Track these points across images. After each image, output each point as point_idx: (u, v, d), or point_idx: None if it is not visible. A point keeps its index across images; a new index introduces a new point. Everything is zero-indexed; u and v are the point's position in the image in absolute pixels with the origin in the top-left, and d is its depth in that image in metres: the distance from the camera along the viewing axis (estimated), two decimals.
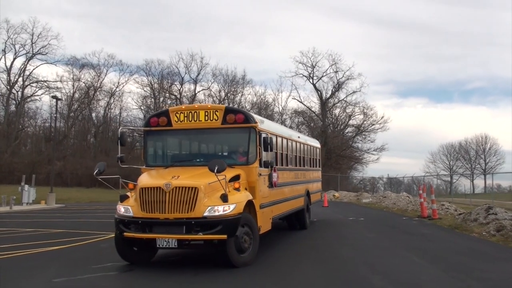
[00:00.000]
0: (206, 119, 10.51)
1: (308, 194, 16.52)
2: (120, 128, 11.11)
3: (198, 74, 70.27)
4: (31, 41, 65.16)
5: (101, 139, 74.22)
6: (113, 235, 9.70)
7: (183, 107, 11.05)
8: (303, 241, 12.51)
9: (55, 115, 39.51)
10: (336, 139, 65.59)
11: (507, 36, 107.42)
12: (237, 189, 9.33)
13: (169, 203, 8.71)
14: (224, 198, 8.79)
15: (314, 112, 68.89)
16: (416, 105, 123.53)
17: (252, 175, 10.21)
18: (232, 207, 8.83)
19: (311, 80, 68.58)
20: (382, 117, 66.59)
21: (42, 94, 67.04)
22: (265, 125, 11.35)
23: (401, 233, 14.77)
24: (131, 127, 12.18)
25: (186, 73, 70.35)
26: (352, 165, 71.40)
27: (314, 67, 67.96)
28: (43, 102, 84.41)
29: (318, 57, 67.61)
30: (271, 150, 10.78)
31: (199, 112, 10.59)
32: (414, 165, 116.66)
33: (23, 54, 66.25)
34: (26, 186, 33.87)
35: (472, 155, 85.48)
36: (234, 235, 8.87)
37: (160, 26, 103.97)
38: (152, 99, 73.15)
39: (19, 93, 67.46)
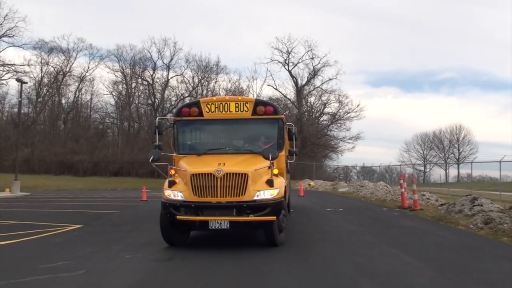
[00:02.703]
0: (237, 110, 11.08)
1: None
2: (157, 118, 11.64)
3: (171, 59, 68.88)
4: None
5: (72, 125, 72.24)
6: (72, 228, 10.39)
7: (214, 98, 11.84)
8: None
9: (19, 99, 37.55)
10: (312, 127, 65.03)
11: (477, 29, 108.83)
12: (276, 175, 10.00)
13: (221, 188, 9.29)
14: (271, 183, 9.57)
15: (290, 100, 68.13)
16: (387, 95, 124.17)
17: (281, 163, 11.04)
18: (277, 191, 9.59)
19: (286, 67, 67.92)
20: (358, 105, 66.55)
21: (9, 78, 64.45)
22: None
23: (384, 226, 13.81)
24: (166, 117, 12.17)
25: (158, 58, 68.89)
26: (327, 154, 70.94)
27: (289, 53, 67.32)
28: (11, 87, 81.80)
29: (294, 43, 67.04)
30: (296, 140, 12.14)
31: (229, 103, 11.17)
32: (388, 154, 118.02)
33: None
34: None
35: (446, 145, 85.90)
36: (279, 217, 9.64)
37: (132, 12, 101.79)
38: (124, 85, 71.36)
39: None
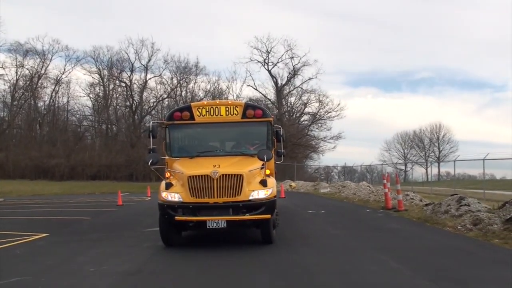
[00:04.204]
0: (227, 113, 11.40)
1: None
2: (151, 122, 11.93)
3: (149, 60, 67.51)
4: None
5: (49, 128, 70.66)
6: (37, 237, 11.03)
7: (205, 102, 12.04)
8: (257, 242, 10.73)
9: None
10: (292, 128, 64.14)
11: (452, 29, 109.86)
12: (269, 176, 10.43)
13: (218, 188, 9.59)
14: (264, 183, 9.95)
15: (270, 100, 67.36)
16: (366, 95, 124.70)
17: (270, 164, 11.28)
18: (270, 191, 9.97)
19: (266, 66, 67.20)
20: (339, 104, 65.80)
21: None
22: None
23: (369, 228, 13.14)
24: (159, 122, 12.30)
25: (136, 59, 67.39)
26: (308, 154, 70.35)
27: (269, 52, 66.59)
28: None
29: (273, 43, 66.25)
30: (284, 141, 12.30)
31: (220, 107, 11.48)
32: (368, 154, 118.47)
33: None
34: None
35: (426, 143, 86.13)
36: (273, 215, 10.03)
37: (109, 13, 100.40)
38: (101, 87, 69.97)
39: None
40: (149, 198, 30.04)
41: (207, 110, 11.45)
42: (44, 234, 12.73)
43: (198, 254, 9.64)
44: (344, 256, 9.14)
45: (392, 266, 8.13)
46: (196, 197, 9.64)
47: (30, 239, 12.02)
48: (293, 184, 40.55)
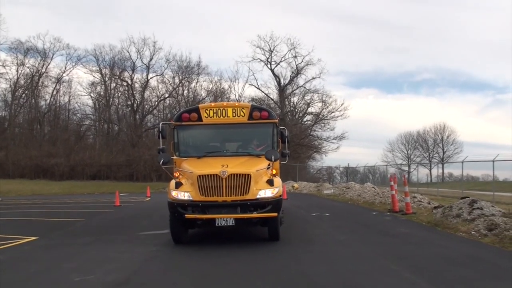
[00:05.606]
0: (234, 115, 11.71)
1: None
2: (161, 123, 12.63)
3: (151, 59, 66.74)
4: None
5: (50, 127, 70.04)
6: (24, 240, 11.00)
7: (213, 104, 12.73)
8: (259, 248, 10.03)
9: None
10: (295, 128, 63.44)
11: (453, 30, 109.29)
12: (275, 175, 10.69)
13: (226, 187, 9.94)
14: (271, 183, 10.32)
15: (272, 99, 66.65)
16: (367, 96, 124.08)
17: (276, 164, 11.23)
18: (276, 190, 10.35)
19: (269, 66, 66.52)
20: (342, 104, 65.02)
21: None
22: None
23: (377, 233, 12.37)
24: (168, 122, 12.51)
25: (138, 58, 66.63)
26: (310, 155, 69.60)
27: (272, 51, 65.94)
28: None
29: (276, 41, 65.57)
30: (288, 143, 12.48)
31: (227, 109, 11.81)
32: (370, 155, 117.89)
33: None
34: None
35: (430, 144, 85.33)
36: (279, 213, 10.42)
37: (111, 12, 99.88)
38: (103, 86, 69.33)
39: None
40: (149, 198, 29.40)
41: (215, 111, 11.72)
42: (33, 238, 12.08)
43: (194, 261, 8.95)
44: (352, 265, 8.37)
45: (405, 277, 7.39)
46: (206, 196, 9.96)
47: (17, 243, 11.34)
48: (295, 185, 39.80)
